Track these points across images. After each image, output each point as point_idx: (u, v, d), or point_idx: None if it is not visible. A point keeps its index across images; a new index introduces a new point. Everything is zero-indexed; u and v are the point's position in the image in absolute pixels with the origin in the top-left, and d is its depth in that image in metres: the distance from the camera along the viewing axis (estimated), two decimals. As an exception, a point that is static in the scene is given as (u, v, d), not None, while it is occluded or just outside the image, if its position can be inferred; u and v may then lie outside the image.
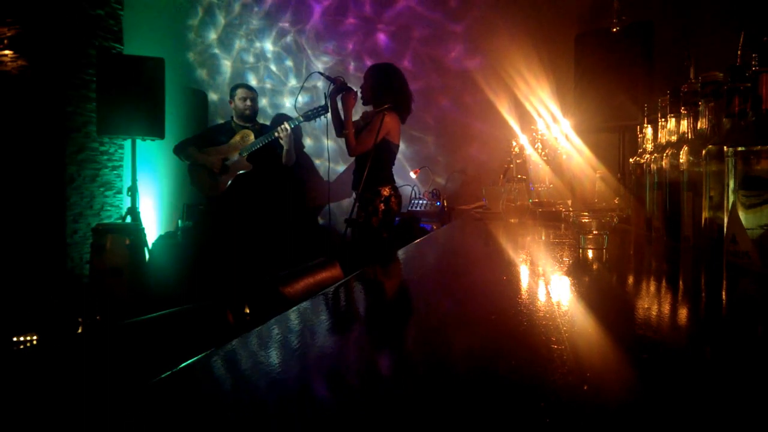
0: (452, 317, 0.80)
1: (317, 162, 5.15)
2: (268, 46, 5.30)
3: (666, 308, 0.81)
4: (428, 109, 4.80)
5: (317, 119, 4.30)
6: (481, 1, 4.61)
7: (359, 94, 3.75)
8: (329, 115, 3.88)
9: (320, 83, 4.97)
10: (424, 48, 4.82)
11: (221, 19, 5.49)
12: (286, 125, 4.28)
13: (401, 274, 1.29)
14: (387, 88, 3.61)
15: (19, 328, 3.51)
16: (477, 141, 4.64)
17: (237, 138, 4.45)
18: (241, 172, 4.40)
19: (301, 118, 4.24)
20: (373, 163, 3.49)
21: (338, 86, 3.72)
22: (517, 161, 3.08)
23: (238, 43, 5.39)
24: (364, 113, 3.87)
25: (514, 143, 3.16)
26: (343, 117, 3.68)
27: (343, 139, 3.72)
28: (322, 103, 4.16)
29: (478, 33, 4.62)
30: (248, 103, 4.53)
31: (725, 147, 0.83)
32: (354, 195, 3.70)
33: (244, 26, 5.38)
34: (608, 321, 0.72)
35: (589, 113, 3.48)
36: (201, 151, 4.48)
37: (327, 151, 4.69)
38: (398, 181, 3.83)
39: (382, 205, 3.57)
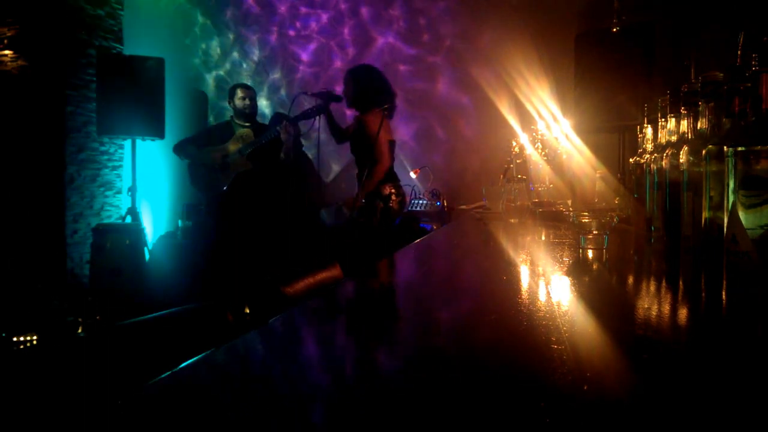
0: (452, 317, 0.80)
1: (317, 162, 5.15)
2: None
3: (666, 308, 0.81)
4: (428, 110, 4.80)
5: (316, 117, 4.30)
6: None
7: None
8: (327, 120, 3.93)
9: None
10: (417, 60, 4.83)
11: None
12: (286, 123, 4.28)
13: (401, 275, 1.29)
14: (369, 89, 3.60)
15: (19, 328, 3.51)
16: (477, 141, 4.63)
17: (237, 137, 4.45)
18: (241, 171, 4.40)
19: (300, 117, 4.24)
20: (372, 165, 3.50)
21: (330, 96, 3.82)
22: (517, 161, 3.08)
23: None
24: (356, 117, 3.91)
25: (514, 143, 3.16)
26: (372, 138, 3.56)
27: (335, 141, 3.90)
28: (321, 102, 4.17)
29: (478, 32, 4.62)
30: (247, 102, 4.53)
31: (725, 147, 0.83)
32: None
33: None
34: (608, 321, 0.72)
35: (589, 113, 3.48)
36: (201, 150, 4.47)
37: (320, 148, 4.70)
38: (402, 179, 3.83)
39: (381, 203, 3.56)
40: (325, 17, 5.19)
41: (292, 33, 5.29)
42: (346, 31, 5.11)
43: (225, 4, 5.55)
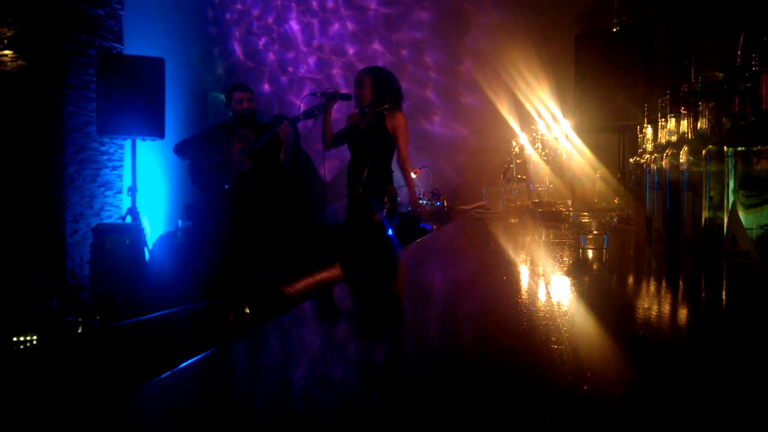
0: (452, 317, 0.80)
1: (317, 161, 5.15)
2: None
3: (666, 308, 0.81)
4: (428, 110, 4.80)
5: (318, 117, 4.31)
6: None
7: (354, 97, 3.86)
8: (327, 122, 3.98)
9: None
10: (420, 52, 4.83)
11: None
12: (287, 123, 4.28)
13: (401, 275, 1.29)
14: (390, 89, 3.69)
15: (19, 328, 3.51)
16: (477, 141, 4.63)
17: (237, 137, 4.45)
18: (241, 171, 4.40)
19: (302, 116, 4.24)
20: (381, 162, 3.55)
21: (338, 96, 3.90)
22: (517, 161, 3.08)
23: None
24: (349, 116, 3.96)
25: (514, 143, 3.16)
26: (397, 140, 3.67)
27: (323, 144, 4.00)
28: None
29: (477, 33, 4.63)
30: (245, 104, 4.52)
31: (725, 147, 0.83)
32: (353, 194, 3.71)
33: None
34: (608, 321, 0.72)
35: (589, 113, 3.48)
36: (201, 151, 4.47)
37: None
38: (399, 181, 3.84)
39: (389, 203, 3.60)
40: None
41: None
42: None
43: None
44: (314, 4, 5.23)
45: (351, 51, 5.09)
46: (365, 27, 5.05)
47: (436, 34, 4.81)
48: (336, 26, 5.16)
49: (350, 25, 5.11)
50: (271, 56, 5.39)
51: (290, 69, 5.34)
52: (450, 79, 4.76)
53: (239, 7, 5.54)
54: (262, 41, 5.43)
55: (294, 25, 5.30)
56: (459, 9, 4.72)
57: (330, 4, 5.17)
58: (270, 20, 5.40)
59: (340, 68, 5.12)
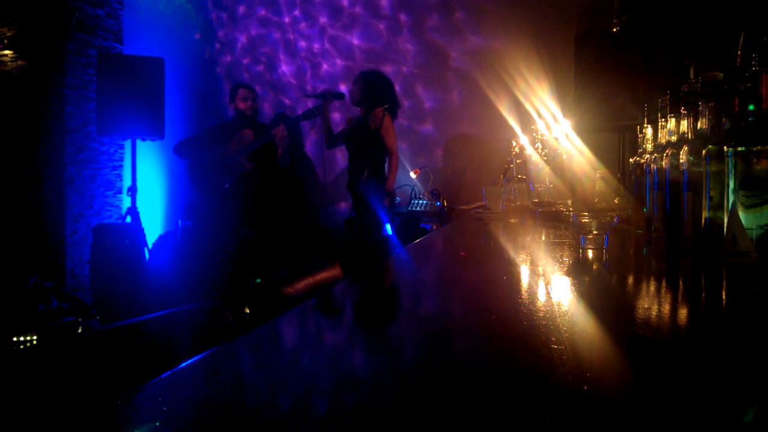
0: (452, 317, 0.80)
1: (317, 162, 5.15)
2: None
3: (666, 308, 0.81)
4: (428, 110, 4.80)
5: (317, 118, 4.31)
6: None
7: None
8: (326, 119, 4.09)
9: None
10: (424, 49, 4.83)
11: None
12: (283, 128, 4.27)
13: (400, 275, 1.29)
14: (380, 91, 3.89)
15: (19, 328, 3.51)
16: (477, 141, 4.63)
17: (237, 138, 4.45)
18: (241, 171, 4.40)
19: (302, 117, 4.25)
20: (373, 163, 3.58)
21: (332, 95, 4.10)
22: (517, 161, 3.08)
23: None
24: (349, 119, 4.09)
25: (514, 143, 3.17)
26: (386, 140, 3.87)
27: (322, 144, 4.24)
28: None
29: (477, 32, 4.63)
30: (249, 103, 4.52)
31: (725, 147, 0.83)
32: (350, 195, 3.75)
33: None
34: (608, 321, 0.72)
35: (589, 113, 3.48)
36: (201, 151, 4.47)
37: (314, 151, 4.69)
38: (398, 181, 3.86)
39: (388, 199, 3.72)
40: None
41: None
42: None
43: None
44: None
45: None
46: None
47: (428, 39, 4.81)
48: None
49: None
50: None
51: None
52: (449, 80, 4.75)
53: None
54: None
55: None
56: (455, 9, 4.72)
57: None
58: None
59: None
